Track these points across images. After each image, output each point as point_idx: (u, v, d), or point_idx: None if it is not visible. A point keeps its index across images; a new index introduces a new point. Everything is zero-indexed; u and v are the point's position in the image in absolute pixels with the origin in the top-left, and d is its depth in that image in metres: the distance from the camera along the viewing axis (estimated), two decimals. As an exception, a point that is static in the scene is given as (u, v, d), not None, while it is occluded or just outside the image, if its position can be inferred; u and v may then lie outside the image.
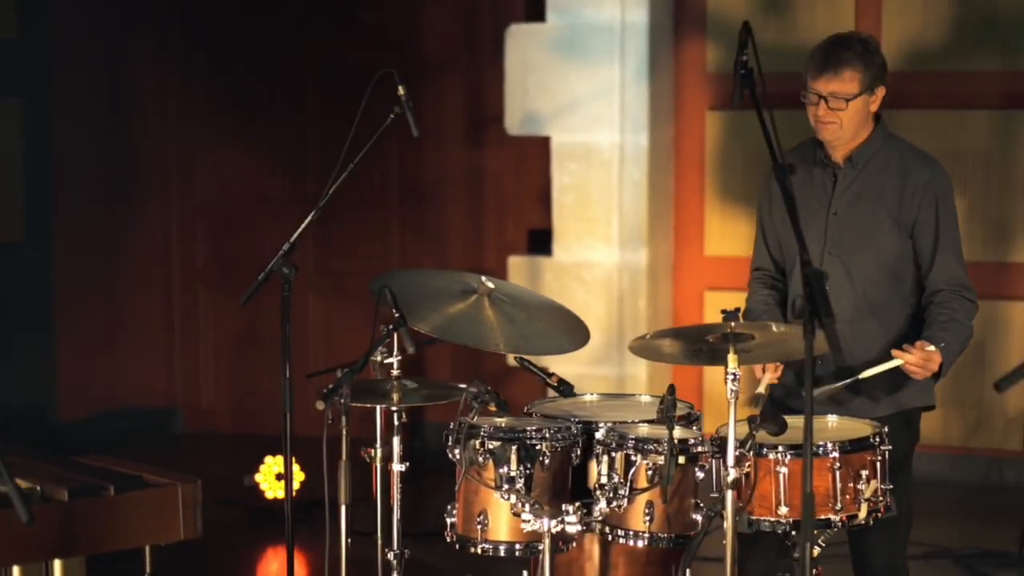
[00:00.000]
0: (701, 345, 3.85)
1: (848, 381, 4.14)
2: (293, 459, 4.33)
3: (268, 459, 6.62)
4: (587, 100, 7.14)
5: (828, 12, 7.23)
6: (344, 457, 4.04)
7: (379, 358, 4.57)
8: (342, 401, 3.90)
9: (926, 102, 6.99)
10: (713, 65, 7.43)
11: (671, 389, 3.87)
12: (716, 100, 7.44)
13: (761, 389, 4.09)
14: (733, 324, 3.72)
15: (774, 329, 3.88)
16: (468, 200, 7.92)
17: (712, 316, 7.57)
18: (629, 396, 4.69)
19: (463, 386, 4.18)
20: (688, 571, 3.99)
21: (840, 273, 4.27)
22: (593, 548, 4.23)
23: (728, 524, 3.79)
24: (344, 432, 3.98)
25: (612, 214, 7.22)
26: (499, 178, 7.85)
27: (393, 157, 7.77)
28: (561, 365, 4.93)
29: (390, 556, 4.26)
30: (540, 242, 7.58)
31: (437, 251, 7.96)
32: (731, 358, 3.71)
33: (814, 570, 4.03)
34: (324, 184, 4.46)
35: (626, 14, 7.10)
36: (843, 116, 4.26)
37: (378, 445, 4.55)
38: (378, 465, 4.54)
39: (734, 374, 3.72)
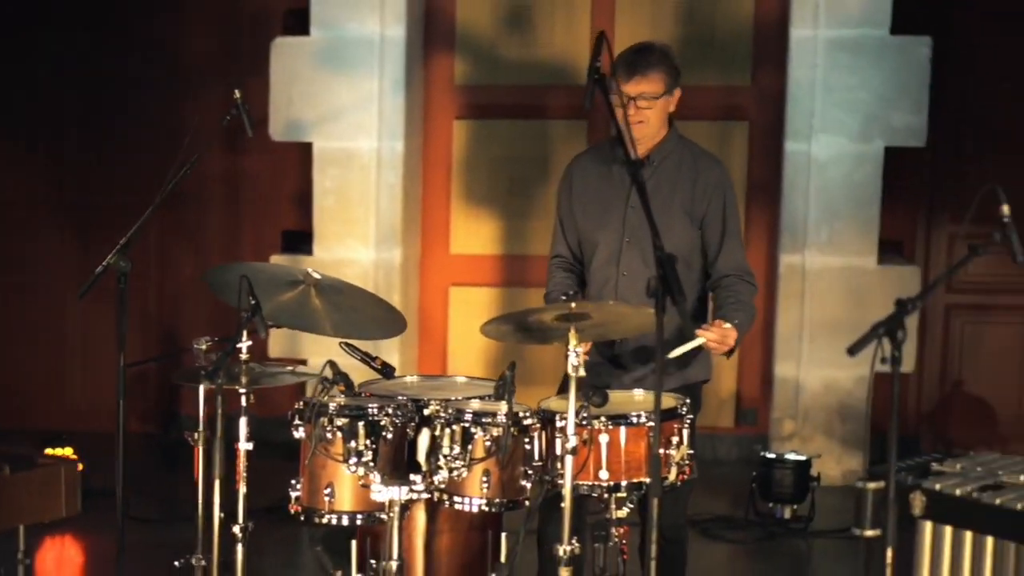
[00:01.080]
0: (537, 325, 4.02)
1: (697, 343, 4.34)
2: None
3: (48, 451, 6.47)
4: (348, 109, 7.23)
5: (565, 31, 7.54)
6: (220, 434, 4.05)
7: (203, 346, 4.60)
8: (220, 381, 3.91)
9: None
10: (460, 78, 7.63)
11: (511, 366, 4.03)
12: (462, 110, 7.64)
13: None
14: (575, 304, 3.90)
15: (612, 307, 4.08)
16: (226, 203, 7.91)
17: (457, 309, 7.78)
18: (446, 377, 4.83)
19: (297, 368, 4.24)
20: (517, 534, 4.16)
21: (638, 260, 4.52)
22: (419, 515, 4.35)
23: (567, 487, 3.96)
24: (219, 411, 4.00)
25: (370, 216, 7.33)
26: (257, 182, 7.86)
27: (151, 160, 7.67)
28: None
29: (235, 530, 4.27)
30: (294, 243, 7.62)
31: (196, 252, 7.91)
32: (572, 335, 3.89)
33: (620, 528, 4.27)
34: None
35: (385, 29, 7.23)
36: (650, 114, 4.49)
37: (201, 428, 4.59)
38: (201, 448, 4.58)
39: (576, 351, 3.90)
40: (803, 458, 6.61)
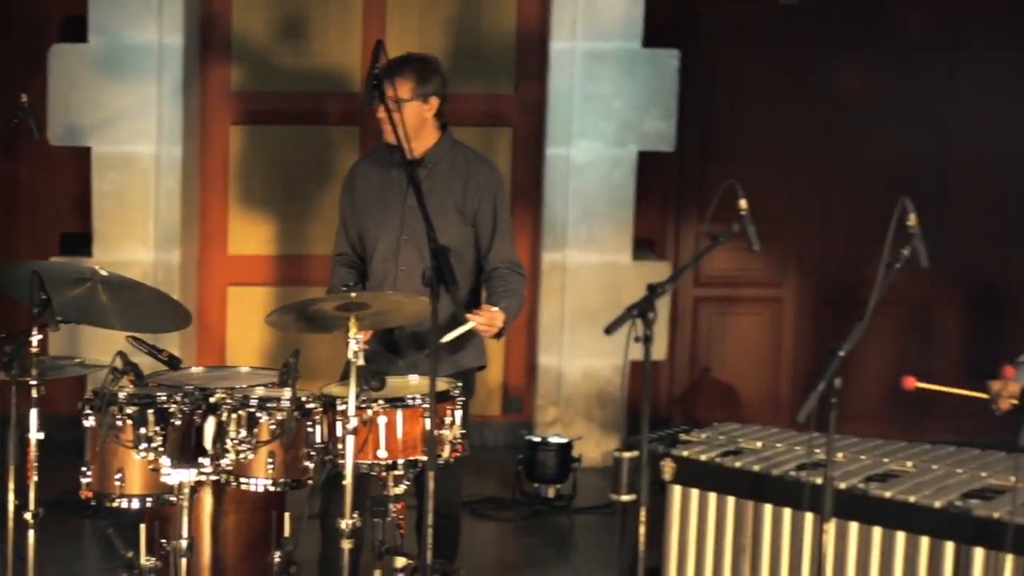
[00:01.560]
0: (319, 315, 4.19)
1: (468, 327, 4.53)
2: None
3: None
4: (127, 115, 7.23)
5: (339, 40, 7.68)
6: (13, 424, 4.10)
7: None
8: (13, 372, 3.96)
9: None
10: (237, 84, 7.70)
11: (295, 353, 4.19)
12: (239, 116, 7.71)
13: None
14: (354, 295, 4.08)
15: (391, 297, 4.29)
16: (2, 205, 7.82)
17: (235, 309, 7.86)
18: (230, 368, 4.95)
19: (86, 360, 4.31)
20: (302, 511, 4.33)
21: (415, 257, 4.72)
22: (207, 497, 4.46)
23: (348, 466, 4.14)
24: (13, 401, 4.05)
25: (149, 218, 7.35)
26: (34, 186, 7.80)
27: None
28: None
29: (27, 516, 4.32)
30: (73, 245, 7.58)
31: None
32: (352, 324, 4.08)
33: (398, 505, 4.47)
34: None
35: (164, 36, 7.25)
36: (399, 117, 4.66)
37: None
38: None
39: (355, 339, 4.09)
40: (565, 441, 6.92)
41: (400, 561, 4.39)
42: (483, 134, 7.64)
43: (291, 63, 7.68)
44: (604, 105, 7.53)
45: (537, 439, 6.95)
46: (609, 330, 3.62)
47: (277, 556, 4.41)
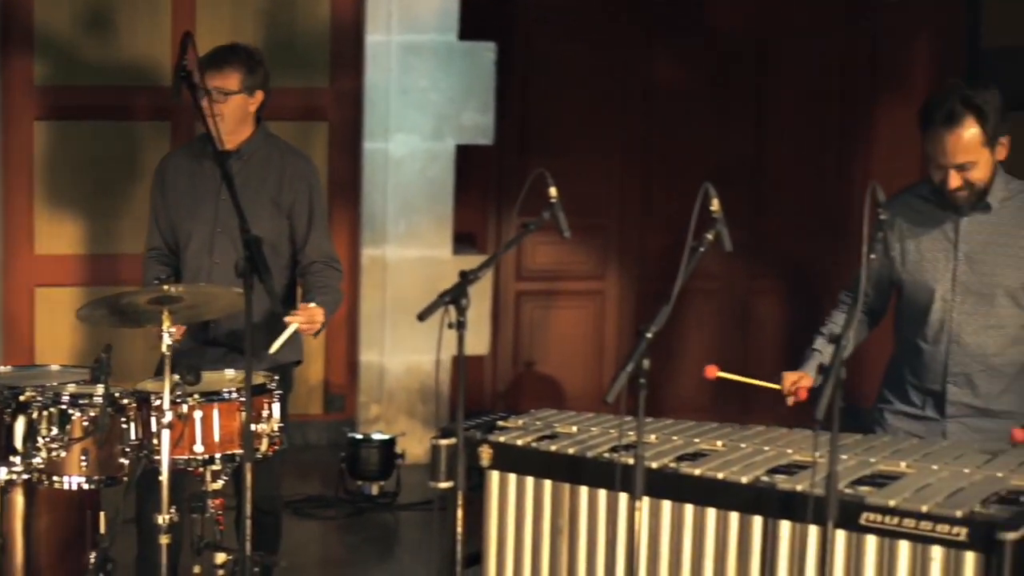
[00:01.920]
0: (132, 308, 4.25)
1: (291, 330, 4.62)
2: None
3: None
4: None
5: (147, 33, 7.69)
6: None
7: None
8: None
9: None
10: (41, 79, 7.65)
11: (107, 348, 4.25)
12: (43, 111, 7.67)
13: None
14: (168, 288, 4.16)
15: (204, 289, 4.37)
16: None
17: (43, 310, 7.81)
18: (40, 367, 4.98)
19: None
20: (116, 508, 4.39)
21: (230, 249, 4.81)
22: (18, 498, 4.47)
23: (164, 461, 4.21)
24: None
25: (-51, 217, 7.29)
26: None
27: None
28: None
29: None
30: None
31: None
32: (165, 317, 4.15)
33: (216, 500, 4.55)
34: None
35: (-37, 30, 7.21)
36: (225, 110, 4.77)
37: None
38: None
39: (169, 332, 4.17)
40: (388, 437, 7.06)
41: (220, 557, 4.48)
42: (298, 128, 7.72)
43: (98, 56, 7.66)
44: (421, 98, 7.68)
45: (359, 436, 7.07)
46: (422, 316, 3.77)
47: (93, 556, 4.46)
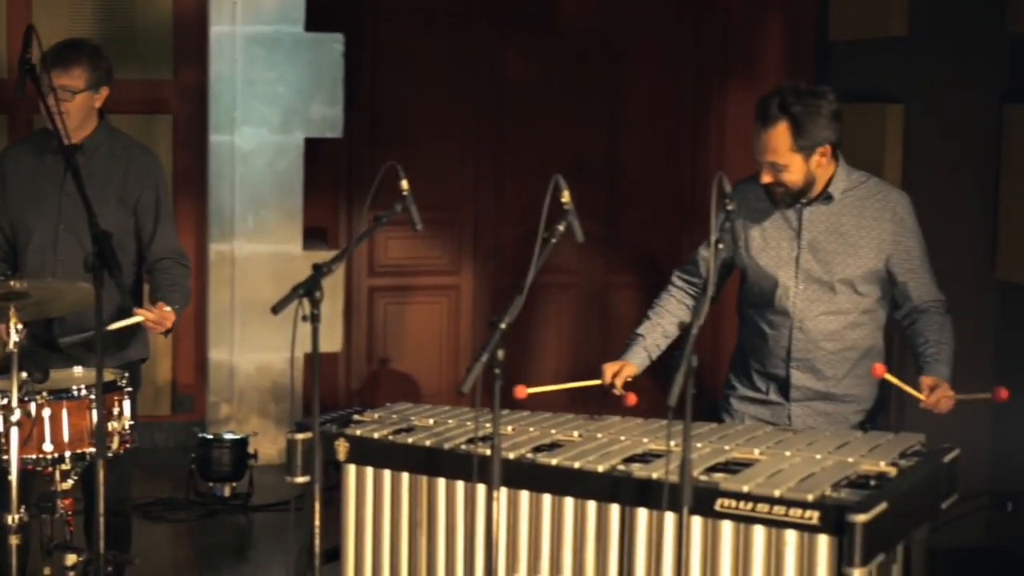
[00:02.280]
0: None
1: (90, 334, 4.64)
2: None
3: None
4: None
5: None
6: None
7: None
8: None
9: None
10: None
11: (-49, 347, 4.25)
12: None
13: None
14: (13, 283, 4.16)
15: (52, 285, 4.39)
16: None
17: None
18: None
19: None
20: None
21: (75, 245, 4.82)
22: None
23: (13, 461, 4.22)
24: None
25: None
26: None
27: None
28: None
29: None
30: None
31: None
32: (12, 314, 4.16)
33: (65, 500, 4.56)
34: None
35: None
36: (70, 107, 4.78)
37: None
38: None
39: (16, 328, 4.17)
40: (239, 437, 7.09)
41: (71, 558, 4.49)
42: (141, 121, 7.71)
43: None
44: (268, 91, 7.72)
45: (210, 436, 7.09)
46: (276, 309, 3.83)
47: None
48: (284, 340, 7.62)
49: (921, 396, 4.22)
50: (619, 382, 4.45)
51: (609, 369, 4.46)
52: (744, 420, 4.57)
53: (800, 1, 8.43)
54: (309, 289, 3.84)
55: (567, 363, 8.53)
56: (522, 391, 4.41)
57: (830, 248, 4.39)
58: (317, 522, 3.86)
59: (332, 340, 7.80)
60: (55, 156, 4.80)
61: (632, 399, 4.37)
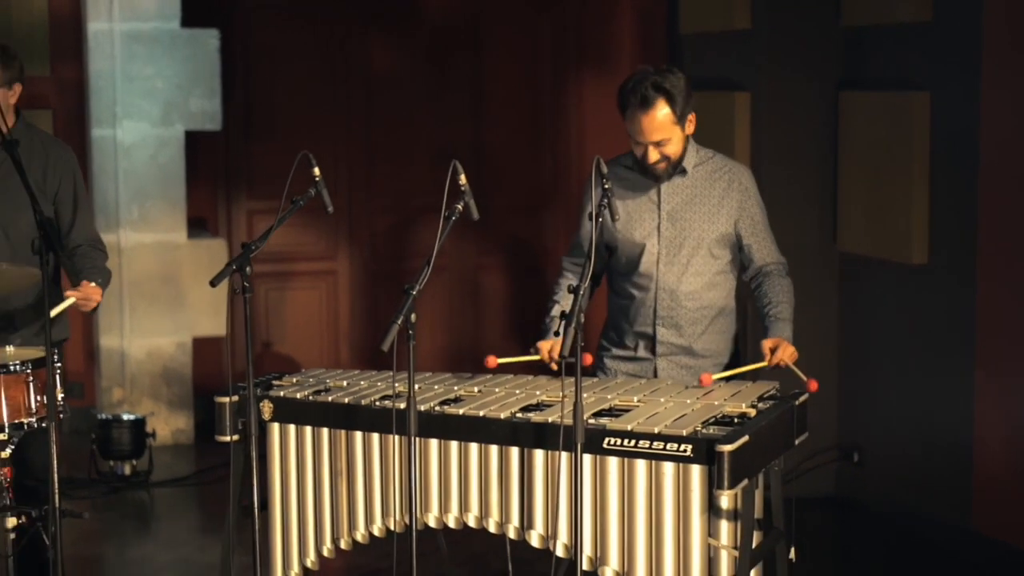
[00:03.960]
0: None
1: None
2: None
3: None
4: None
5: None
6: None
7: None
8: None
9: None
10: None
11: None
12: None
13: None
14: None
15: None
16: None
17: None
18: None
19: None
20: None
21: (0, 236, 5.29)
22: None
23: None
24: None
25: None
26: None
27: None
28: None
29: None
30: None
31: None
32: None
33: (4, 469, 5.04)
34: None
35: None
36: None
37: None
38: None
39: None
40: (137, 417, 7.59)
41: (11, 521, 4.96)
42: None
43: None
44: (147, 85, 8.17)
45: (109, 416, 7.56)
46: (214, 283, 4.41)
47: None
48: (173, 325, 8.15)
49: (763, 364, 4.89)
50: (555, 355, 4.94)
51: (544, 347, 4.99)
52: (618, 376, 5.21)
53: (652, -5, 9.07)
54: (241, 264, 4.43)
55: (441, 340, 9.13)
56: (492, 361, 4.94)
57: (687, 216, 5.06)
58: (253, 473, 4.44)
59: (216, 324, 8.26)
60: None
61: (588, 359, 4.76)
